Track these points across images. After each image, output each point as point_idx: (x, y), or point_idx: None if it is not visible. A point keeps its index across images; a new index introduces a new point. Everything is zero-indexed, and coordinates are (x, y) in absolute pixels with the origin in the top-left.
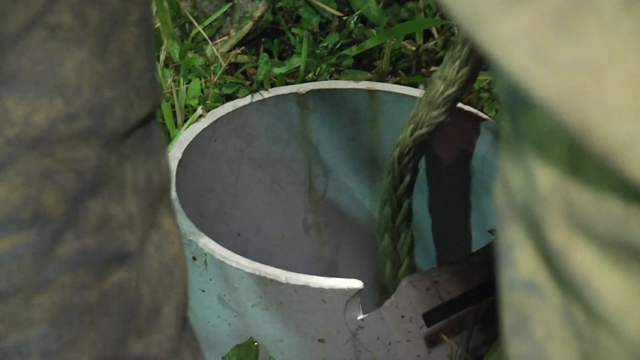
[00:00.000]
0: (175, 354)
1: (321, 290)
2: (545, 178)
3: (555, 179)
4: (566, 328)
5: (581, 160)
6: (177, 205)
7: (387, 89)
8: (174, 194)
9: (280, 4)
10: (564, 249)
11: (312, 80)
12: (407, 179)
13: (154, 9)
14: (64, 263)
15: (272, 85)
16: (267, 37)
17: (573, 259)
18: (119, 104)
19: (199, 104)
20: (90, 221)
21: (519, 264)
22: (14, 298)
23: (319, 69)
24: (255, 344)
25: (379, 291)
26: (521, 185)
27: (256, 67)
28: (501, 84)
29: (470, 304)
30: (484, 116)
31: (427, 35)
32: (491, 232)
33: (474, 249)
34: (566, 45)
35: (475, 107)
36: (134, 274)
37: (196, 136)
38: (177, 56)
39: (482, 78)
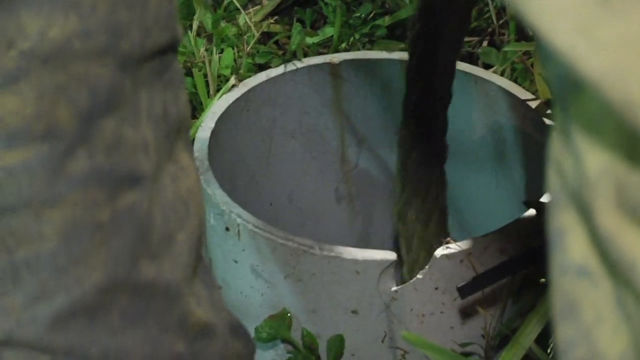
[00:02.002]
0: (188, 283)
1: (355, 262)
2: (595, 162)
3: (605, 163)
4: (617, 314)
5: (632, 142)
6: (209, 175)
7: None
8: (206, 163)
9: None
10: (612, 233)
11: (345, 50)
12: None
13: None
14: (75, 179)
15: (305, 55)
16: (299, 7)
17: (621, 244)
18: (135, 27)
19: (231, 74)
20: (103, 140)
21: (571, 249)
22: (24, 212)
23: (352, 38)
24: (289, 315)
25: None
26: (572, 171)
27: (289, 37)
28: (550, 67)
29: (505, 276)
30: (517, 88)
31: None
32: (526, 203)
33: (508, 220)
34: (611, 21)
35: (509, 78)
36: (146, 197)
37: (229, 106)
38: (210, 25)
39: (516, 49)
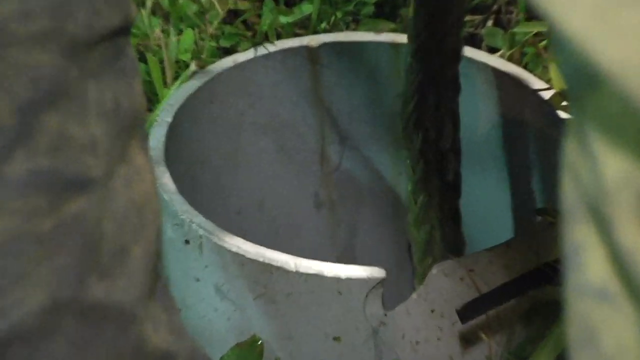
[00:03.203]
0: (144, 305)
1: (337, 280)
2: (615, 169)
3: (626, 170)
4: None
5: None
6: (166, 178)
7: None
8: (162, 165)
9: None
10: (635, 250)
11: (326, 31)
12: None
13: None
14: (13, 185)
15: (278, 37)
16: None
17: None
18: (82, 7)
19: (192, 59)
20: (45, 138)
21: (589, 268)
22: None
23: (333, 17)
24: (260, 342)
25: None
26: (589, 178)
27: (259, 16)
28: (563, 58)
29: (512, 296)
30: (527, 76)
31: None
32: (538, 212)
33: (517, 232)
34: (632, 4)
35: (518, 64)
36: (95, 205)
37: (189, 97)
38: (167, 2)
39: (526, 30)
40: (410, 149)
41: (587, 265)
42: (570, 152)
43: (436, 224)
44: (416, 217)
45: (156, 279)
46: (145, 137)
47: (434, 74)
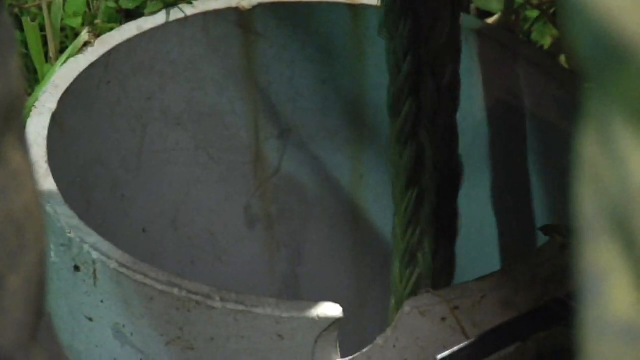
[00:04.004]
0: (22, 350)
1: (277, 320)
2: None
3: None
4: None
5: None
6: (49, 184)
7: (377, 3)
8: (44, 166)
9: None
10: None
11: None
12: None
13: None
14: None
15: None
16: None
17: None
18: None
19: (83, 25)
20: None
21: (612, 300)
22: None
23: None
24: None
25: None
26: (613, 182)
27: None
28: (576, 27)
29: (511, 342)
30: (530, 49)
31: None
32: (544, 230)
33: (516, 256)
34: None
35: (520, 34)
36: None
37: (79, 76)
38: None
39: None
40: (395, 42)
41: (610, 296)
42: (588, 149)
43: (427, 142)
44: (399, 133)
45: (39, 317)
46: (23, 130)
47: None
